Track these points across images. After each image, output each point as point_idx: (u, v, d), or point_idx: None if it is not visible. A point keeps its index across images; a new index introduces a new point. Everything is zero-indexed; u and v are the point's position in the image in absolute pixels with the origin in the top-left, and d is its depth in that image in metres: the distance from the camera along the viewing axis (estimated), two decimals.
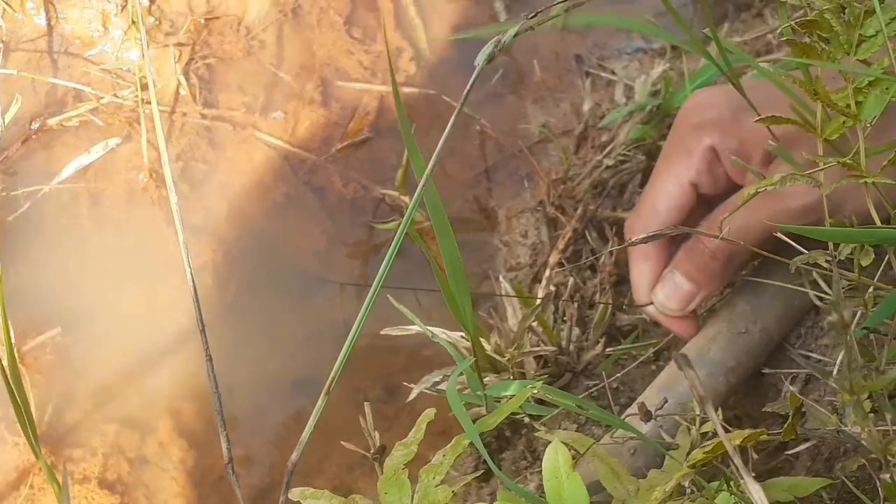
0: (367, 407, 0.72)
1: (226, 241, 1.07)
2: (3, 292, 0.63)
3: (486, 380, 0.82)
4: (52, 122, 1.09)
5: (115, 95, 1.09)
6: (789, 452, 0.68)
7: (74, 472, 0.95)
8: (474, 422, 0.78)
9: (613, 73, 1.13)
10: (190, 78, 1.12)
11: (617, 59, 1.15)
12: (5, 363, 0.64)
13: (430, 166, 0.47)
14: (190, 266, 0.53)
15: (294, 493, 0.65)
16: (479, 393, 0.73)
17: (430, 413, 0.67)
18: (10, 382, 0.62)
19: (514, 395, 0.69)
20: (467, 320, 0.67)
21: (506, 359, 0.83)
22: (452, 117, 0.45)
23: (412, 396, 0.87)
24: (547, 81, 1.14)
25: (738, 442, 0.53)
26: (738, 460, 0.32)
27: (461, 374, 0.79)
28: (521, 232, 1.05)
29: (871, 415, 0.46)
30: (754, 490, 0.33)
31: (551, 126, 1.10)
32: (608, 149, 1.04)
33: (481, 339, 0.83)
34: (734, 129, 0.74)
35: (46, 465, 0.63)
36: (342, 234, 1.07)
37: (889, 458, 0.44)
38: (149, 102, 1.07)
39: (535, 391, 0.66)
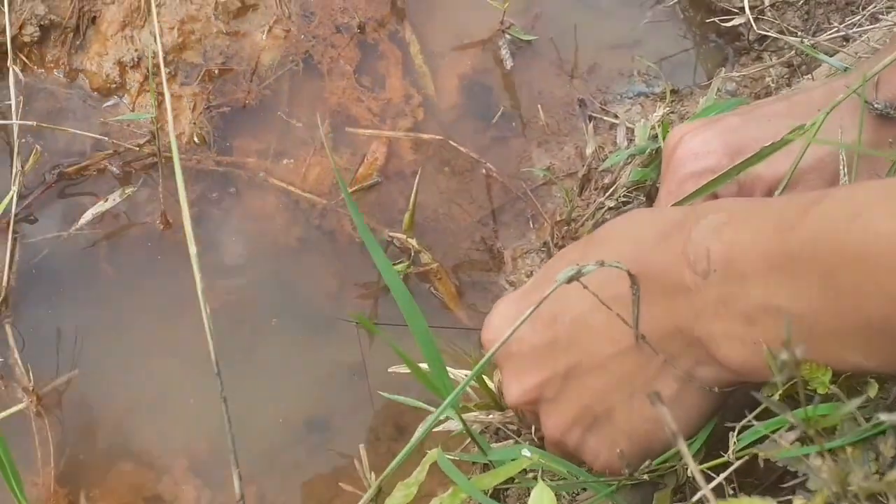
0: (361, 449, 0.74)
1: (240, 284, 1.09)
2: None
3: (489, 417, 0.84)
4: (71, 170, 1.12)
5: (132, 144, 1.13)
6: (784, 486, 0.70)
7: None
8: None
9: (616, 116, 1.16)
10: (204, 126, 1.15)
11: (619, 103, 1.18)
12: None
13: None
14: (207, 312, 0.56)
15: None
16: (480, 456, 0.75)
17: (433, 455, 0.69)
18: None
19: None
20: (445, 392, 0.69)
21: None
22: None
23: (410, 447, 0.89)
24: (551, 125, 1.17)
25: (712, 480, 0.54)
26: (708, 491, 0.34)
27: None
28: (526, 272, 1.07)
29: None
30: None
31: (555, 169, 1.13)
32: (610, 190, 1.07)
33: (484, 378, 0.85)
34: None
35: None
36: (353, 276, 1.09)
37: (847, 488, 0.46)
38: (166, 151, 1.10)
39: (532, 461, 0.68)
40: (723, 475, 0.61)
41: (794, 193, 0.62)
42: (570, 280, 0.52)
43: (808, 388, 0.54)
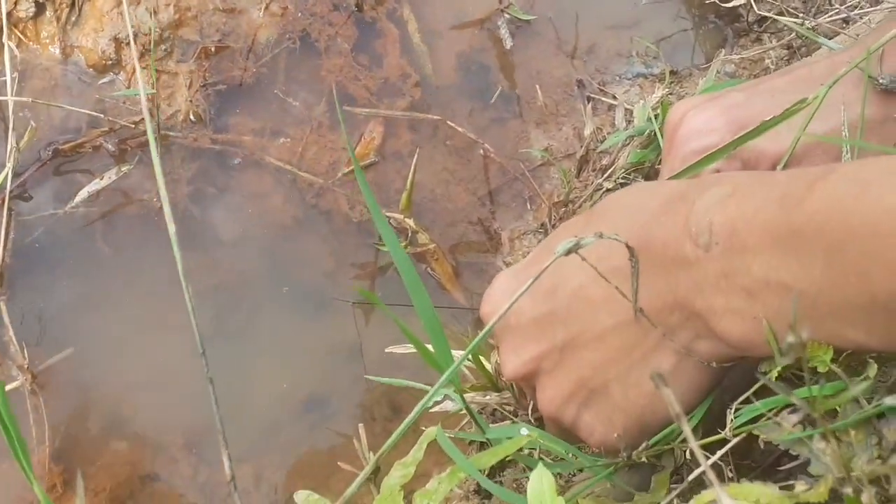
0: (360, 428, 0.74)
1: (237, 262, 1.09)
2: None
3: (486, 398, 0.84)
4: (66, 147, 1.11)
5: (128, 122, 1.12)
6: (781, 469, 0.70)
7: (87, 487, 0.97)
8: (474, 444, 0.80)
9: (614, 97, 1.15)
10: (200, 104, 1.14)
11: (618, 84, 1.18)
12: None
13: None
14: (189, 293, 0.55)
15: (299, 497, 0.67)
16: (478, 434, 0.75)
17: (431, 433, 0.68)
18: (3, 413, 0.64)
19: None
20: (445, 367, 0.69)
21: (505, 379, 0.85)
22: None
23: (403, 432, 0.89)
24: (549, 106, 1.16)
25: (711, 458, 0.54)
26: (711, 474, 0.34)
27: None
28: (523, 253, 1.07)
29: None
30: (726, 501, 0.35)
31: (553, 149, 1.13)
32: (608, 172, 1.06)
33: (481, 358, 0.84)
34: (736, 152, 0.73)
35: (42, 494, 0.65)
36: (349, 256, 1.09)
37: (851, 473, 0.45)
38: (162, 129, 1.10)
39: (531, 438, 0.68)
40: (720, 452, 0.60)
41: (801, 168, 0.62)
42: (568, 252, 0.51)
43: (808, 366, 0.53)
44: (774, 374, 0.54)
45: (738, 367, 0.64)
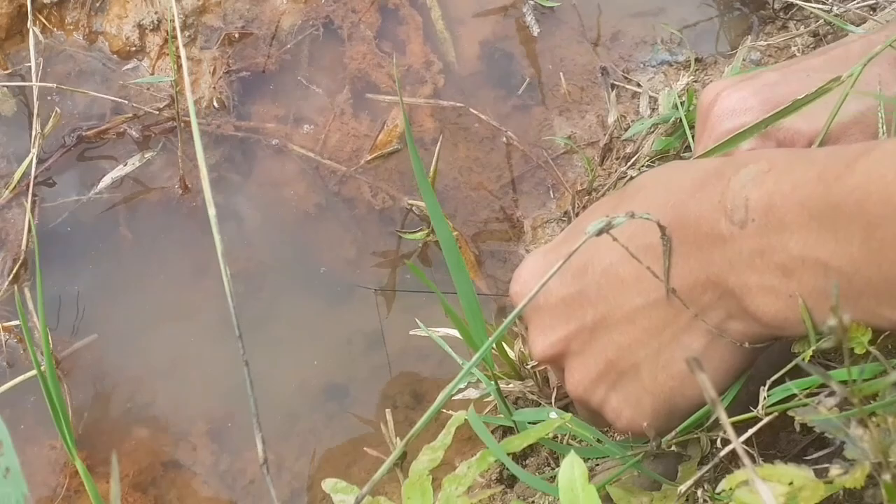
0: (388, 413, 0.74)
1: (258, 250, 1.09)
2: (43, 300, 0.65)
3: (508, 386, 0.84)
4: (90, 134, 1.12)
5: (152, 108, 1.12)
6: (808, 458, 0.69)
7: (109, 473, 0.97)
8: (499, 430, 0.80)
9: (639, 85, 1.14)
10: (224, 91, 1.14)
11: (642, 71, 1.17)
12: (43, 367, 0.66)
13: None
14: (227, 274, 0.55)
15: (326, 485, 0.67)
16: (508, 418, 0.74)
17: (459, 417, 0.67)
18: (49, 386, 0.64)
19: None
20: (477, 343, 0.68)
21: (529, 367, 0.85)
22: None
23: (434, 413, 0.89)
24: (573, 93, 1.15)
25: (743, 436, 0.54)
26: (741, 450, 0.34)
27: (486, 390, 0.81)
28: (546, 241, 1.06)
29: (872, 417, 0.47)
30: (762, 489, 0.35)
31: (577, 137, 1.12)
32: (633, 160, 1.06)
33: (504, 346, 0.84)
34: (771, 132, 0.72)
35: (83, 468, 0.65)
36: (371, 244, 1.09)
37: (889, 459, 0.45)
38: (185, 115, 1.10)
39: (562, 422, 0.67)
40: (752, 430, 0.59)
41: (840, 146, 0.61)
42: (599, 233, 0.51)
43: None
44: (808, 354, 0.53)
45: (764, 354, 0.64)
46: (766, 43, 1.13)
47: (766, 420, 0.59)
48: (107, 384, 1.02)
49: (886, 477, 0.46)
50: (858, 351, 0.52)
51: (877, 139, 0.69)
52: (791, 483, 0.48)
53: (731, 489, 0.50)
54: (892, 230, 0.46)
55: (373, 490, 0.59)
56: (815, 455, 0.65)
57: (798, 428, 0.53)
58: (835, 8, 1.08)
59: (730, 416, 0.63)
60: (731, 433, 0.32)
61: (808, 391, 0.57)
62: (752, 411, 0.60)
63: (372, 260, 1.08)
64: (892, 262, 0.47)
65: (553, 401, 0.84)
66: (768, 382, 0.59)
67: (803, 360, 0.54)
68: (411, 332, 0.92)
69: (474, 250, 1.08)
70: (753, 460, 0.59)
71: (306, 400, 1.02)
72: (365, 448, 0.80)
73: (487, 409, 0.90)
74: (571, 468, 0.54)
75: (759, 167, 0.55)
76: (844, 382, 0.46)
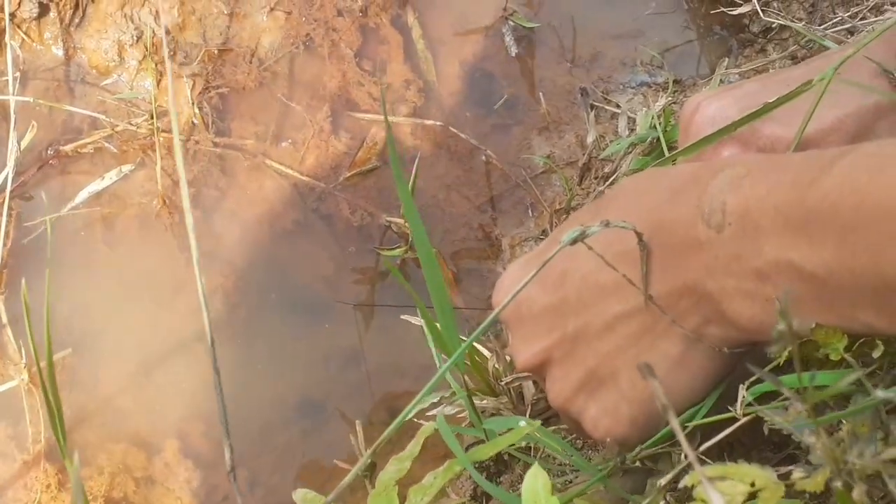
0: (358, 425, 0.73)
1: (236, 266, 1.09)
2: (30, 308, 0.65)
3: (483, 402, 0.84)
4: (68, 148, 1.11)
5: (130, 123, 1.12)
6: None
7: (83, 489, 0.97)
8: (472, 445, 0.79)
9: (618, 106, 1.15)
10: (203, 107, 1.14)
11: (621, 92, 1.17)
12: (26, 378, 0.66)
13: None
14: (202, 283, 0.55)
15: (296, 496, 0.66)
16: (477, 429, 0.74)
17: (429, 427, 0.67)
18: (48, 393, 0.64)
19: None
20: (452, 351, 0.68)
21: (503, 383, 0.84)
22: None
23: (406, 417, 0.88)
24: (552, 113, 1.16)
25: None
26: (691, 453, 0.34)
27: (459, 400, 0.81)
28: None
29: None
30: (713, 496, 0.34)
31: (556, 157, 1.12)
32: (611, 179, 1.06)
33: (478, 360, 0.84)
34: (752, 139, 0.73)
35: (73, 470, 0.64)
36: (349, 261, 1.09)
37: (841, 466, 0.45)
38: (164, 130, 1.10)
39: (530, 430, 0.67)
40: (726, 431, 0.59)
41: (816, 150, 0.61)
42: (574, 241, 0.51)
43: (819, 354, 0.53)
44: (782, 359, 0.53)
45: (748, 354, 0.63)
46: (744, 67, 1.14)
47: (743, 420, 0.58)
48: (80, 398, 1.02)
49: (837, 484, 0.45)
50: (834, 357, 0.52)
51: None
52: (753, 483, 0.48)
53: (691, 486, 0.49)
54: (865, 234, 0.46)
55: (341, 501, 0.59)
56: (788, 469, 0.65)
57: (766, 431, 0.53)
58: (811, 33, 1.09)
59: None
60: (682, 439, 0.32)
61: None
62: (730, 410, 0.59)
63: (350, 276, 1.08)
64: (864, 265, 0.47)
65: (528, 416, 0.83)
66: (747, 382, 0.59)
67: (778, 364, 0.54)
68: (402, 317, 0.92)
69: (452, 268, 1.08)
70: (723, 460, 0.59)
71: (282, 416, 1.02)
72: (335, 461, 0.79)
73: (463, 426, 0.89)
74: (535, 480, 0.53)
75: (736, 172, 0.55)
76: (798, 389, 0.46)
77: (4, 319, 1.02)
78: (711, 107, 0.75)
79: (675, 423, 0.33)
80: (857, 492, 0.44)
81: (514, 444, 0.79)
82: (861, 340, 0.55)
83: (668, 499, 0.61)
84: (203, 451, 1.00)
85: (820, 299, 0.50)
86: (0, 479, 0.97)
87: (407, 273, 1.07)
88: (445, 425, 0.66)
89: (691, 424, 0.61)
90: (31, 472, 0.97)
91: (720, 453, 0.66)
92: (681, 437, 0.32)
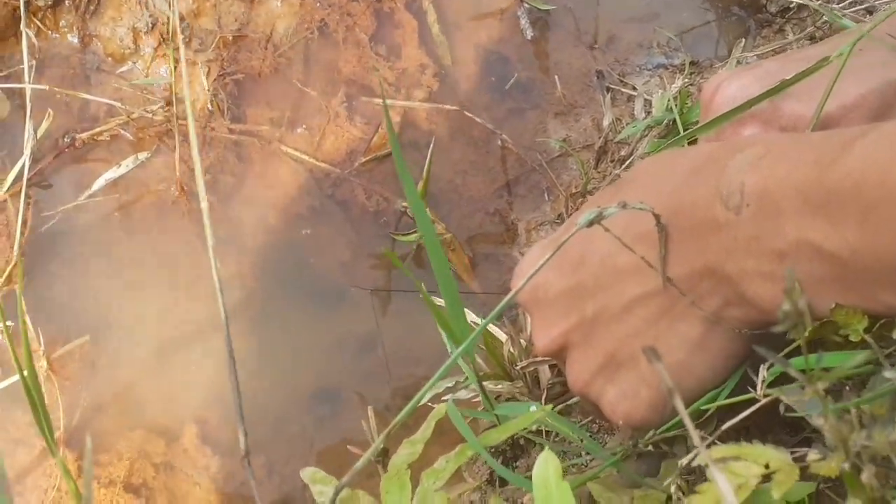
0: (370, 410, 0.73)
1: (252, 252, 1.09)
2: (24, 303, 0.65)
3: (498, 387, 0.84)
4: (84, 136, 1.12)
5: (146, 110, 1.12)
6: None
7: (101, 475, 0.97)
8: (488, 430, 0.79)
9: (634, 88, 1.14)
10: (218, 93, 1.14)
11: (638, 74, 1.16)
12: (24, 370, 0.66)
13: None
14: (217, 269, 0.55)
15: (304, 474, 0.66)
16: (490, 413, 0.74)
17: (440, 409, 0.67)
18: (30, 386, 0.64)
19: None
20: (461, 338, 0.68)
21: (518, 368, 0.84)
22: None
23: (419, 402, 0.88)
24: (568, 97, 1.15)
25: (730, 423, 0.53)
26: (696, 437, 0.33)
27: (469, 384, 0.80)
28: None
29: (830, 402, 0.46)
30: (719, 478, 0.34)
31: (572, 140, 1.12)
32: (627, 163, 1.05)
33: (494, 346, 0.84)
34: (773, 118, 0.72)
35: (63, 466, 0.65)
36: (365, 246, 1.09)
37: (849, 449, 0.44)
38: (180, 117, 1.10)
39: (540, 414, 0.66)
40: (744, 413, 0.58)
41: (837, 129, 0.60)
42: (591, 224, 0.50)
43: (839, 335, 0.52)
44: (802, 339, 0.53)
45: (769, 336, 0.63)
46: (761, 49, 1.13)
47: (764, 401, 0.57)
48: (99, 385, 1.02)
49: (845, 466, 0.45)
50: (854, 338, 0.51)
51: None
52: (767, 465, 0.48)
53: (706, 465, 0.49)
54: (887, 213, 0.46)
55: (354, 485, 0.59)
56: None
57: (782, 410, 0.53)
58: (832, 6, 1.08)
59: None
60: (687, 421, 0.32)
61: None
62: (750, 391, 0.58)
63: (366, 262, 1.08)
64: (887, 245, 0.46)
65: (543, 401, 0.83)
66: (767, 363, 0.58)
67: (798, 346, 0.53)
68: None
69: (469, 253, 1.07)
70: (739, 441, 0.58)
71: (298, 403, 1.02)
72: (348, 447, 0.79)
73: (479, 409, 0.89)
74: (546, 464, 0.53)
75: (755, 151, 0.54)
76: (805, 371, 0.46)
77: (24, 306, 1.03)
78: (732, 86, 0.74)
79: (680, 406, 0.33)
80: (867, 474, 0.44)
81: (526, 428, 0.79)
82: (880, 322, 0.54)
83: (679, 483, 0.61)
84: (221, 438, 1.00)
85: (840, 279, 0.49)
86: (20, 466, 0.98)
87: (423, 258, 1.07)
88: (455, 410, 0.66)
89: (713, 406, 0.61)
90: (50, 458, 0.98)
91: (736, 438, 0.65)
92: (686, 419, 0.32)
